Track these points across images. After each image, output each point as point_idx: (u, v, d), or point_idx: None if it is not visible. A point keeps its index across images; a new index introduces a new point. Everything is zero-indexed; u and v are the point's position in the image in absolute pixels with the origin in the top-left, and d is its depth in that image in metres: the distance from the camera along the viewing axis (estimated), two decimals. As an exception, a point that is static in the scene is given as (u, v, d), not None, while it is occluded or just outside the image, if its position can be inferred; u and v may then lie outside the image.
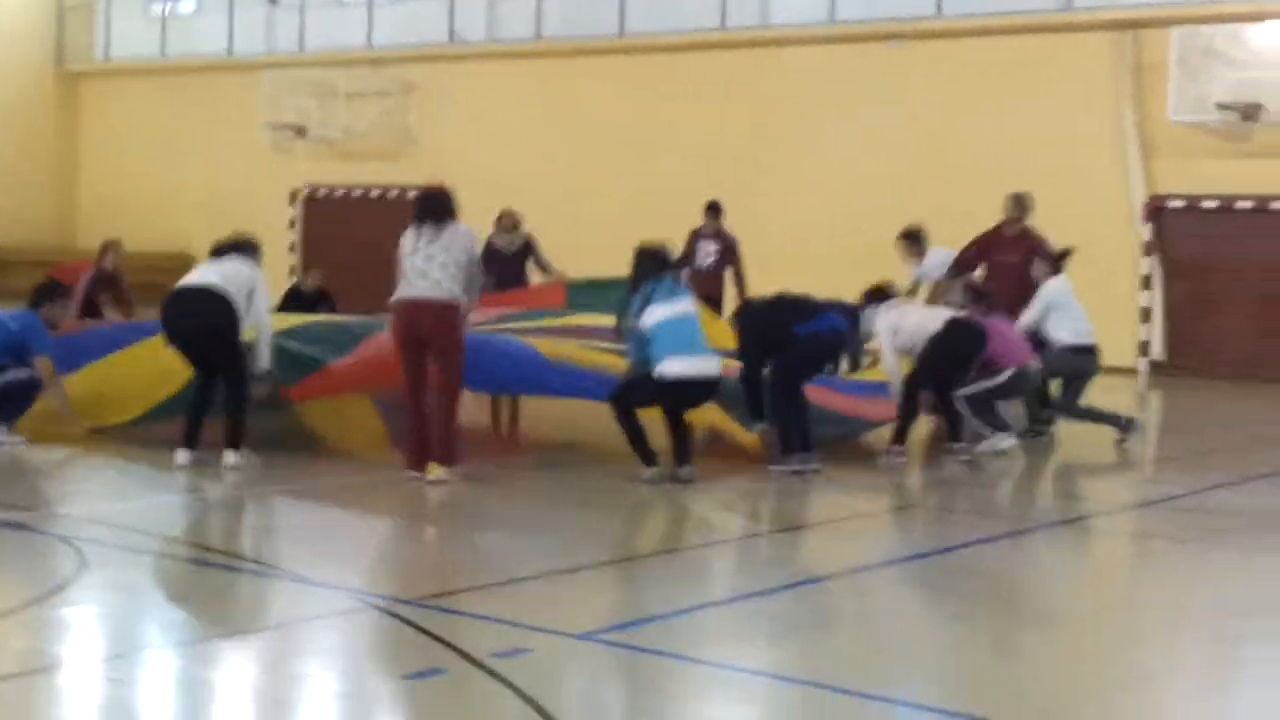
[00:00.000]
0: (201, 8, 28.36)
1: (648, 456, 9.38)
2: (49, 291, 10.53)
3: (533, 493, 9.42)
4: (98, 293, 13.38)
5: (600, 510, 8.95)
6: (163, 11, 28.35)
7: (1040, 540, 8.61)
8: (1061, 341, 11.93)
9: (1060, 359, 11.90)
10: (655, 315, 9.38)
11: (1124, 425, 11.93)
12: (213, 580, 6.83)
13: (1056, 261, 12.27)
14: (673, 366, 9.27)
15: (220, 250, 9.81)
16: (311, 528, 8.22)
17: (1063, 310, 12.01)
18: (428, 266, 9.02)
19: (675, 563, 7.72)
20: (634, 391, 9.43)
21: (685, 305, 9.56)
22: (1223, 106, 18.87)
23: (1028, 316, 11.92)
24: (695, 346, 9.42)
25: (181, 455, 9.35)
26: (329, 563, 7.22)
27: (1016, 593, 7.28)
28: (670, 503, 9.06)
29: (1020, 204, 12.75)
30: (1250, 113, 18.74)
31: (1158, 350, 19.80)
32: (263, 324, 9.63)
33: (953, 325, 10.75)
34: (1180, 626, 6.66)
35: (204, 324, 9.41)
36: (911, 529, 9.05)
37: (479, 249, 9.56)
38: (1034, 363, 11.37)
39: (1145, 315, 19.80)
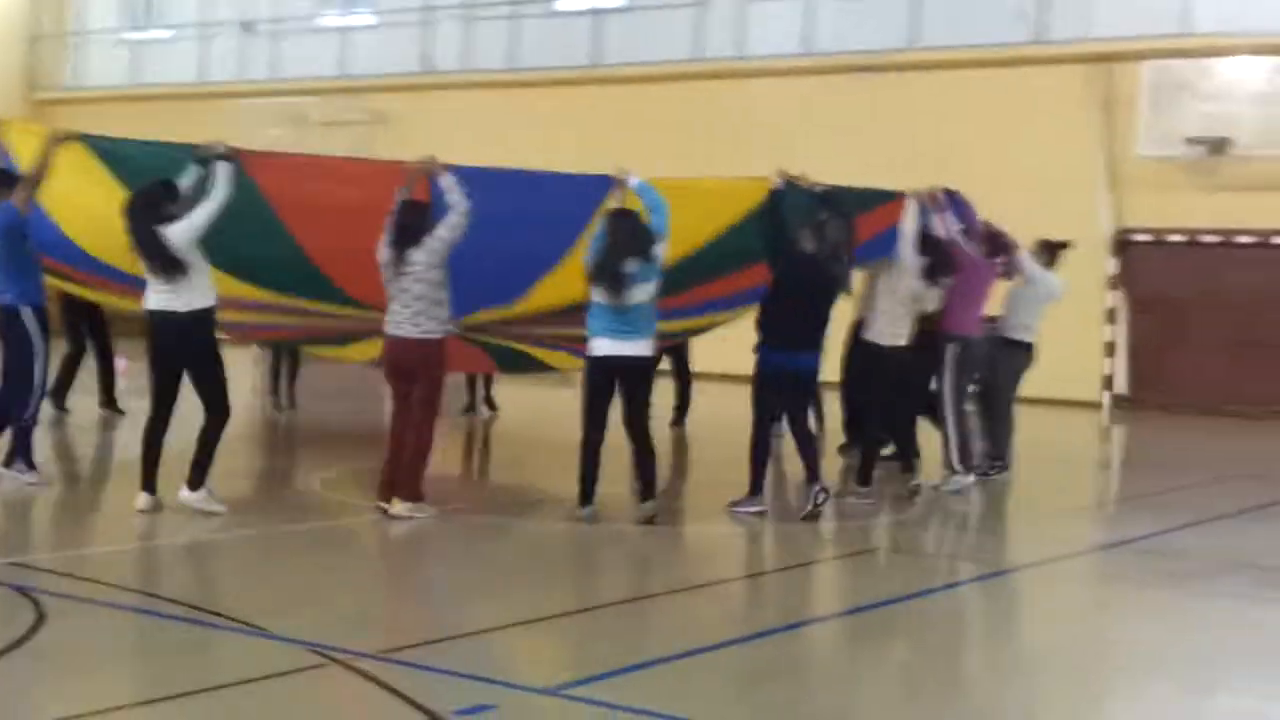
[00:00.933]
0: (174, 35, 28.32)
1: (586, 493, 9.40)
2: None
3: (497, 537, 9.37)
4: None
5: (561, 556, 8.93)
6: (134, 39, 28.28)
7: (1002, 585, 8.62)
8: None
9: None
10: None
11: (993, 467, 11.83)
12: (170, 634, 6.76)
13: (1054, 251, 12.02)
14: (598, 344, 9.30)
15: (139, 216, 9.44)
16: (272, 576, 8.15)
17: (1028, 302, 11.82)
18: (404, 303, 9.09)
19: (637, 612, 7.65)
20: (590, 395, 9.43)
21: (634, 294, 9.20)
22: (1192, 141, 18.99)
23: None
24: (628, 327, 9.22)
25: (142, 499, 9.06)
26: (289, 614, 7.15)
27: (981, 640, 7.28)
28: (631, 548, 9.05)
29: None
30: (1219, 147, 18.87)
31: (1122, 384, 19.88)
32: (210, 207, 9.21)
33: (875, 351, 10.66)
34: (1150, 676, 6.67)
35: (172, 347, 9.09)
36: (873, 574, 8.98)
37: (460, 224, 9.07)
38: (977, 336, 11.20)
39: (1110, 349, 19.89)
